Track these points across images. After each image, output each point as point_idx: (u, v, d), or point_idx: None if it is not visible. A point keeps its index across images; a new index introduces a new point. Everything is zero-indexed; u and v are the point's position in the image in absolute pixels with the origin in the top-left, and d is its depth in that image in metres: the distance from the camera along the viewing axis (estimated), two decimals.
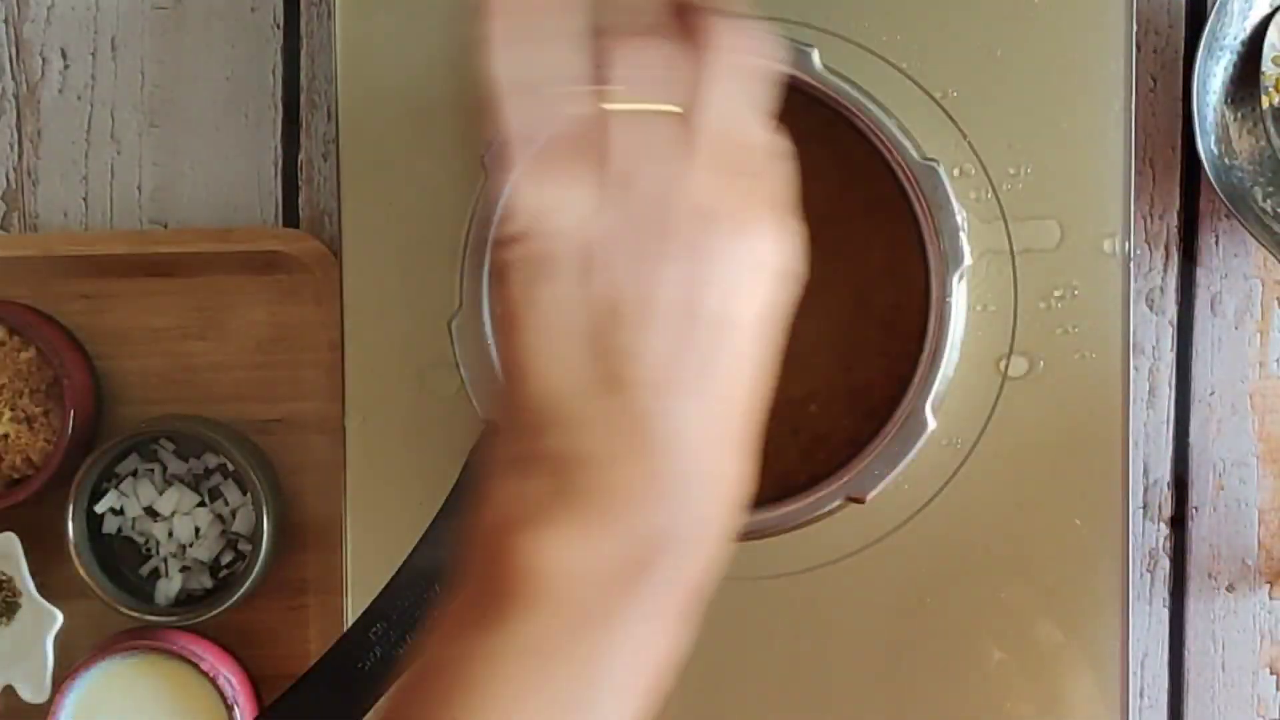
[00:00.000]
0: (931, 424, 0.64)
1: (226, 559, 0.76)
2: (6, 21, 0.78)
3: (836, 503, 0.64)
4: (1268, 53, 0.74)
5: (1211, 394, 0.76)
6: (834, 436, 0.67)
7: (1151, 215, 0.76)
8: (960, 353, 0.68)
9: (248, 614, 0.76)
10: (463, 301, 0.65)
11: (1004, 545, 0.71)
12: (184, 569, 0.76)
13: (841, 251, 0.68)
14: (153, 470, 0.76)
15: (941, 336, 0.64)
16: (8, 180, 0.78)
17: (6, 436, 0.74)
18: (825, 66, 0.65)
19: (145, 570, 0.76)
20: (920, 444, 0.64)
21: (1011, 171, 0.71)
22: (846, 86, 0.65)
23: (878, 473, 0.64)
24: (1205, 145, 0.73)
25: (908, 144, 0.64)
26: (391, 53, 0.72)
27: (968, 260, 0.64)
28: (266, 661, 0.76)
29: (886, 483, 0.64)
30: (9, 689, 0.74)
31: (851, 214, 0.68)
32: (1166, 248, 0.76)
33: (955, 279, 0.64)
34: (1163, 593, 0.76)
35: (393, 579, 0.65)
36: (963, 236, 0.64)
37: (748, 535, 0.65)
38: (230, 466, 0.75)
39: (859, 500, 0.64)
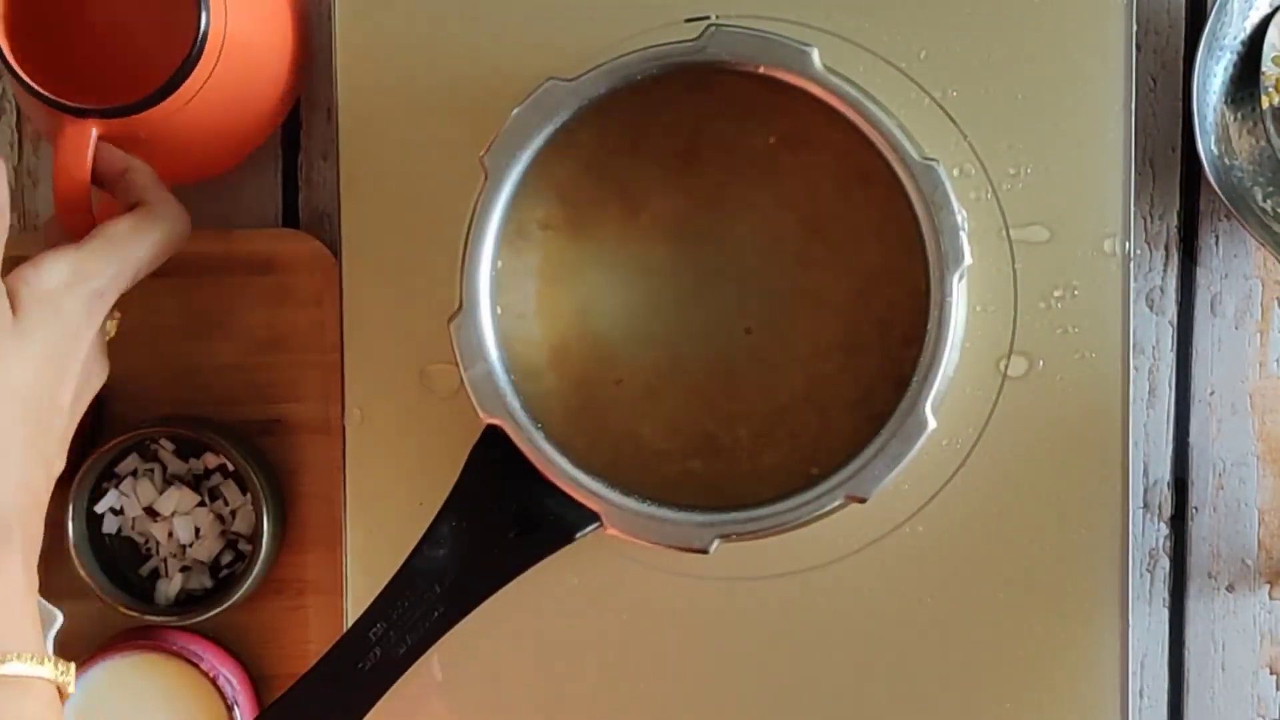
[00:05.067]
0: (931, 424, 0.64)
1: (226, 559, 0.76)
2: None
3: (836, 503, 0.64)
4: (1268, 53, 0.74)
5: (1211, 394, 0.76)
6: (834, 437, 0.67)
7: (1151, 215, 0.76)
8: (960, 353, 0.68)
9: (248, 614, 0.76)
10: (463, 301, 0.65)
11: (1003, 545, 0.71)
12: (184, 569, 0.76)
13: (841, 251, 0.68)
14: (153, 470, 0.76)
15: (941, 337, 0.64)
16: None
17: None
18: (825, 67, 0.65)
19: (145, 570, 0.76)
20: (920, 444, 0.64)
21: (1011, 171, 0.71)
22: (846, 86, 0.64)
23: (878, 473, 0.64)
24: (1205, 145, 0.73)
25: (908, 144, 0.64)
26: (391, 53, 0.72)
27: (968, 260, 0.64)
28: (266, 661, 0.76)
29: (886, 483, 0.64)
30: None
31: (851, 214, 0.68)
32: (1166, 248, 0.76)
33: (955, 279, 0.64)
34: (1163, 593, 0.76)
35: (393, 579, 0.65)
36: (963, 236, 0.64)
37: (747, 535, 0.65)
38: (230, 467, 0.75)
39: (860, 500, 0.64)
